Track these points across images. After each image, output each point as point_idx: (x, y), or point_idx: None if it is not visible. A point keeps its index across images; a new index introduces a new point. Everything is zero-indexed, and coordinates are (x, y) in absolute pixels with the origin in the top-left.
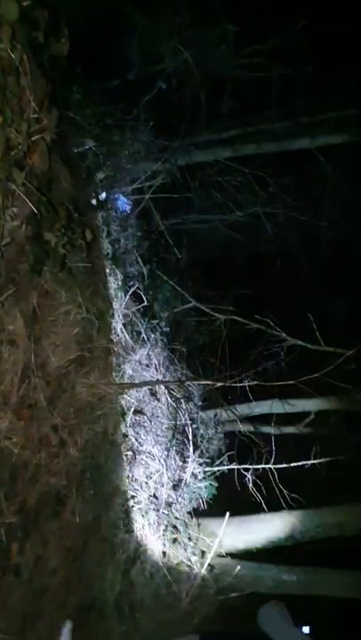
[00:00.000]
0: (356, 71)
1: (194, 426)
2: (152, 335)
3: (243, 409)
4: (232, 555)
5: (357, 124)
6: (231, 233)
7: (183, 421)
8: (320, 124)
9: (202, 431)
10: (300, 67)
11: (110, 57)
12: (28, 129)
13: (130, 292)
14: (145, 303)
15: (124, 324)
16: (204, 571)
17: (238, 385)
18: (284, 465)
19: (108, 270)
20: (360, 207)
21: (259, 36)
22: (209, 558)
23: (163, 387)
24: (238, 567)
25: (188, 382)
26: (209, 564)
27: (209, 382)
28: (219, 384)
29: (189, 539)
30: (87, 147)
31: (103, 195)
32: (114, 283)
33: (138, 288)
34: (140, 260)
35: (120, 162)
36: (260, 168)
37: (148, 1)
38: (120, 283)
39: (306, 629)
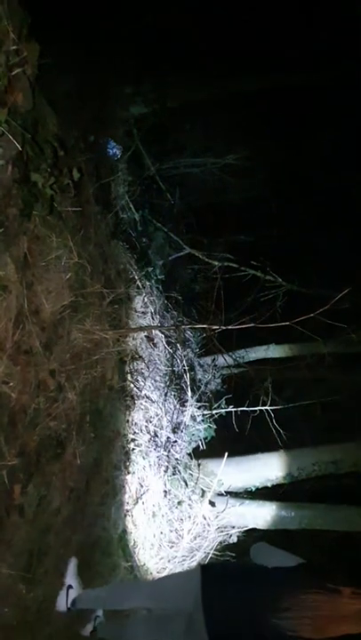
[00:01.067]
0: None
1: (192, 372)
2: (147, 282)
3: (240, 354)
4: (231, 493)
5: None
6: (224, 176)
7: (181, 367)
8: None
9: (200, 376)
10: None
11: None
12: (6, 62)
13: (123, 239)
14: (138, 250)
15: (117, 272)
16: (204, 509)
17: (234, 328)
18: (280, 407)
19: (99, 216)
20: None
21: None
22: (209, 496)
23: (159, 333)
24: (238, 504)
25: (183, 327)
26: (209, 502)
27: (204, 326)
28: (214, 327)
29: (190, 478)
30: (75, 84)
31: (92, 138)
32: (105, 229)
33: (131, 235)
34: (132, 206)
35: (108, 101)
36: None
37: None
38: (112, 229)
39: None
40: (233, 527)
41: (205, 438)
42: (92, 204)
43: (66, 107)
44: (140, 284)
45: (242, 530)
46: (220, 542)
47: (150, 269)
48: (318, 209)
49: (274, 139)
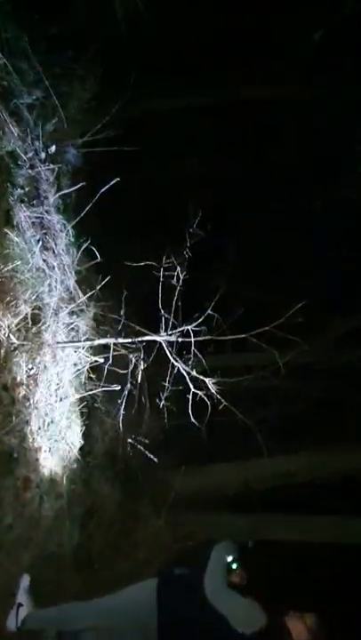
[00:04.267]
0: None
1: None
2: (106, 292)
3: (197, 364)
4: (189, 503)
5: None
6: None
7: (139, 378)
8: None
9: (156, 387)
10: None
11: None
12: None
13: (82, 248)
14: (98, 259)
15: (76, 281)
16: (160, 520)
17: (192, 340)
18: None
19: (58, 226)
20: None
21: None
22: (165, 507)
23: (117, 344)
24: (195, 515)
25: (140, 339)
26: (165, 513)
27: (158, 339)
28: (170, 339)
29: (146, 493)
30: (34, 97)
31: (53, 148)
32: (65, 239)
33: (90, 244)
34: (92, 216)
35: (69, 113)
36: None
37: None
38: (71, 238)
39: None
40: (190, 538)
41: None
42: (50, 213)
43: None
44: (98, 294)
45: (200, 540)
46: (177, 553)
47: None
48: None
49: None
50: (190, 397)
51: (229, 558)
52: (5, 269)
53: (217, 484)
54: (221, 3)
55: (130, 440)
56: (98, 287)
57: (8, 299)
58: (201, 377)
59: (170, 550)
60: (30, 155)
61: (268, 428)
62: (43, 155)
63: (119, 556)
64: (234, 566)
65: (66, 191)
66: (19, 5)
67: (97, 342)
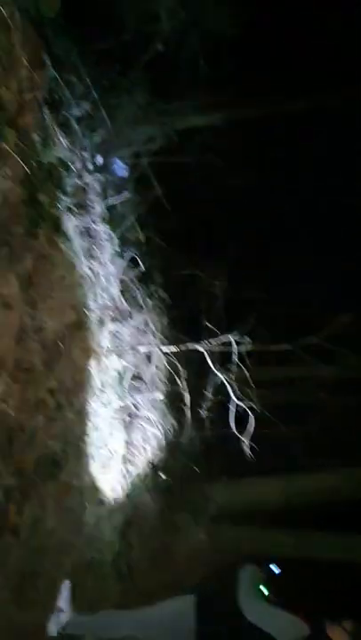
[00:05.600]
0: None
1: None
2: (149, 301)
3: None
4: (229, 516)
5: None
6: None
7: (181, 387)
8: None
9: (198, 397)
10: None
11: (107, 17)
12: (18, 87)
13: (127, 258)
14: (142, 269)
15: (120, 290)
16: (200, 532)
17: (233, 350)
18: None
19: (104, 235)
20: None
21: None
22: (205, 519)
23: (160, 352)
24: (236, 529)
25: (183, 347)
26: (206, 526)
27: (200, 348)
28: (212, 349)
29: (186, 501)
30: (83, 109)
31: (100, 159)
32: (110, 248)
33: (135, 253)
34: (137, 226)
35: (117, 126)
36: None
37: None
38: (117, 248)
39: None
40: (231, 552)
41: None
42: (98, 223)
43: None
44: (142, 303)
45: (240, 554)
46: (217, 567)
47: (153, 288)
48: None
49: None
50: (232, 408)
51: (259, 584)
52: (54, 276)
53: (259, 498)
54: (264, 19)
55: (171, 448)
56: (141, 296)
57: (56, 304)
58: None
59: (210, 564)
60: (78, 165)
61: (311, 442)
62: (90, 165)
63: (158, 567)
64: (265, 592)
65: (112, 201)
66: (69, 21)
67: (140, 350)
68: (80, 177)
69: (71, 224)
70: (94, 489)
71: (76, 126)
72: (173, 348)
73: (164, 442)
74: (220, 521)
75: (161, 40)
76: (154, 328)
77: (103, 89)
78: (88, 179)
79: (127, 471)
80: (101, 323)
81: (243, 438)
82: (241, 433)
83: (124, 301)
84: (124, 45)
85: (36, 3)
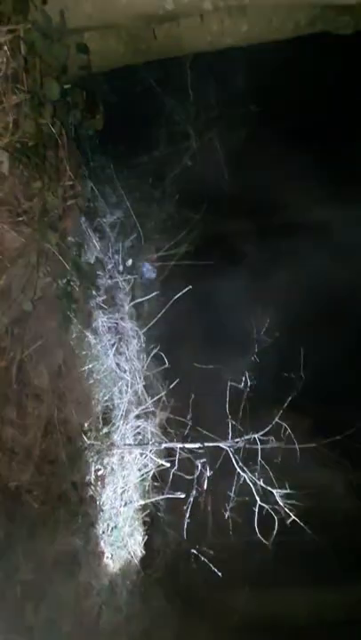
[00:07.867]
0: None
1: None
2: (173, 396)
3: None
4: (253, 630)
5: None
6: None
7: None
8: None
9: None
10: None
11: (140, 135)
12: (63, 195)
13: (152, 354)
14: (166, 365)
15: (144, 386)
16: None
17: (259, 448)
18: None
19: (131, 332)
20: None
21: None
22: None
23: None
24: None
25: (204, 446)
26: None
27: (223, 445)
28: (236, 446)
29: (207, 614)
30: (116, 217)
31: (130, 261)
32: (137, 345)
33: (160, 350)
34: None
35: (146, 232)
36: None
37: (177, 85)
38: (143, 344)
39: None
40: None
41: None
42: (126, 320)
43: (108, 233)
44: (165, 400)
45: None
46: None
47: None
48: None
49: None
50: (256, 510)
51: None
52: (82, 369)
53: (285, 611)
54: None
55: (193, 552)
56: (164, 392)
57: (82, 398)
58: (268, 488)
59: None
60: (110, 266)
61: (342, 551)
62: (121, 267)
63: None
64: None
65: (139, 300)
66: (105, 139)
67: (163, 446)
68: (111, 277)
69: (101, 320)
70: (112, 592)
71: (110, 232)
72: (196, 445)
73: (185, 544)
74: (242, 634)
75: (190, 157)
76: (177, 424)
77: (135, 199)
78: (118, 279)
79: (146, 575)
80: (125, 417)
81: (267, 543)
82: (266, 538)
83: (147, 397)
84: (156, 161)
85: (82, 122)
